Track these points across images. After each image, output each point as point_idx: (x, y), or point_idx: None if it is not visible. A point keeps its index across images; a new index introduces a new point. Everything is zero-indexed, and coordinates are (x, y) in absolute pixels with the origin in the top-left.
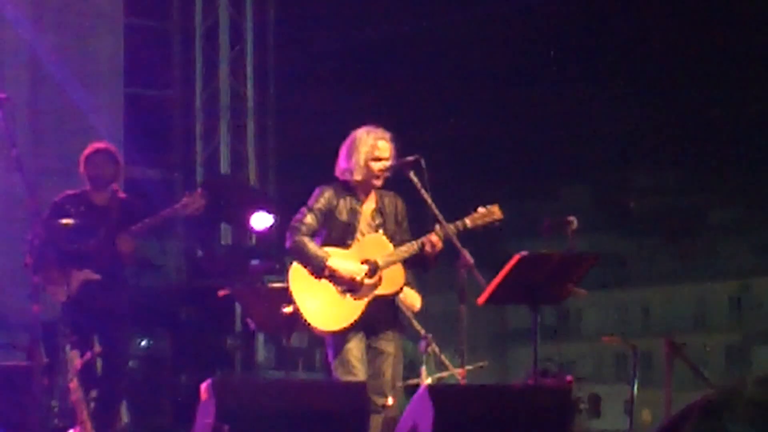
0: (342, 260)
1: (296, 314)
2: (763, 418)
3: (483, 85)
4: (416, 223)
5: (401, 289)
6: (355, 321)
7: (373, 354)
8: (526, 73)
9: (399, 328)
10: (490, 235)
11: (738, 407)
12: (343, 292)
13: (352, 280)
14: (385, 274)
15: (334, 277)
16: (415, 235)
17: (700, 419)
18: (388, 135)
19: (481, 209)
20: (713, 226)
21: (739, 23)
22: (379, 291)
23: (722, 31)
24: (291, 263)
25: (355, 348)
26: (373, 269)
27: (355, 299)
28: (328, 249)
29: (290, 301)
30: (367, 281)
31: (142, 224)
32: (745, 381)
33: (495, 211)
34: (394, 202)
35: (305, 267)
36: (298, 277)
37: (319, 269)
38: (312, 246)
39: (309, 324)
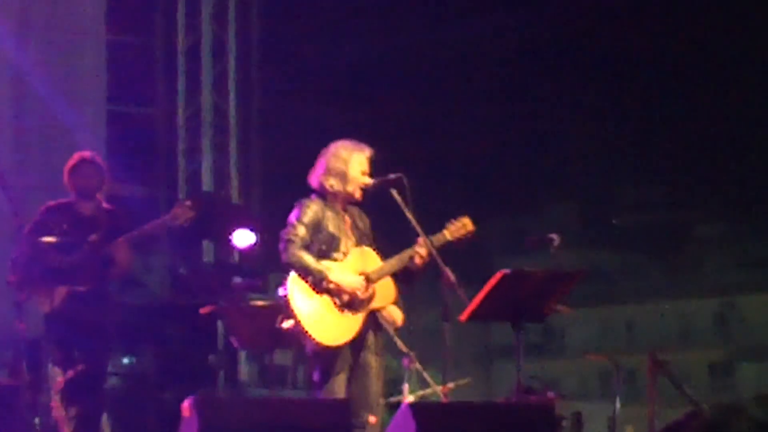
0: (342, 274)
1: (296, 329)
2: None
3: (469, 102)
4: (397, 239)
5: (393, 301)
6: (356, 335)
7: (359, 369)
8: (510, 89)
9: (382, 344)
10: (475, 251)
11: (741, 426)
12: (341, 306)
13: (354, 294)
14: (377, 287)
15: (335, 292)
16: (394, 251)
17: None
18: (366, 148)
19: (454, 222)
20: (698, 241)
21: (723, 40)
22: (374, 305)
23: (707, 48)
24: (289, 277)
25: (342, 366)
26: (367, 282)
27: (353, 314)
28: (325, 263)
29: (278, 315)
30: (362, 295)
31: (134, 233)
32: (744, 400)
33: (467, 224)
34: (361, 218)
35: (305, 280)
36: (296, 290)
37: (319, 282)
38: (310, 259)
39: (311, 338)
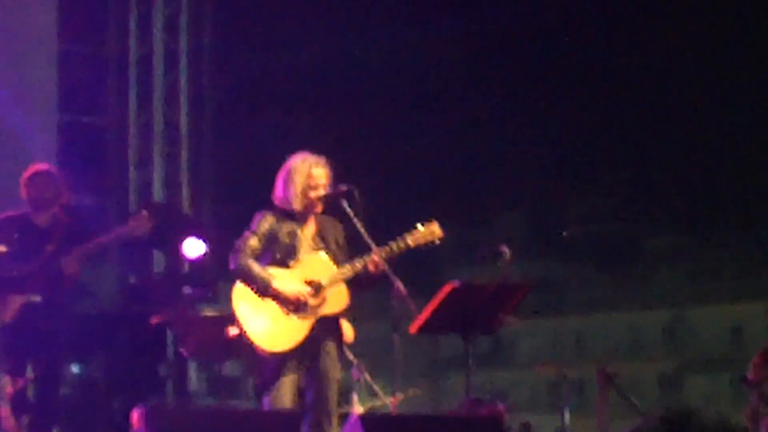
0: (286, 281)
1: (240, 337)
2: None
3: (419, 112)
4: (351, 249)
5: (346, 308)
6: (301, 341)
7: (317, 378)
8: (461, 100)
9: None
10: (425, 262)
11: None
12: (289, 312)
13: (297, 300)
14: (329, 293)
15: (279, 298)
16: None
17: None
18: (322, 161)
19: (420, 228)
20: (647, 253)
21: (672, 54)
22: (325, 311)
23: (656, 61)
24: (234, 285)
25: (288, 371)
26: (317, 289)
27: (300, 319)
28: (271, 270)
29: (227, 325)
30: (312, 301)
31: (88, 246)
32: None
33: (435, 231)
34: (333, 226)
35: (250, 287)
36: (241, 298)
37: (263, 291)
38: (256, 267)
39: (255, 345)
